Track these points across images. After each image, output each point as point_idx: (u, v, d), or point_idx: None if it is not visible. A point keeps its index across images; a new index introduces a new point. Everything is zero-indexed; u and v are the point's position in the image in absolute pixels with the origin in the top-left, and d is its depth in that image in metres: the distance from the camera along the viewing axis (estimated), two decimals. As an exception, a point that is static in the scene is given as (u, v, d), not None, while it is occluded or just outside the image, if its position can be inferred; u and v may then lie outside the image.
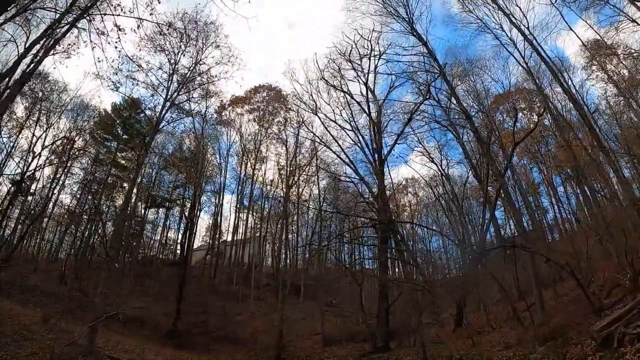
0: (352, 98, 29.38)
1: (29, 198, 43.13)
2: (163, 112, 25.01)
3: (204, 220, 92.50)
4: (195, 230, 47.38)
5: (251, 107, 44.32)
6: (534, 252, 18.25)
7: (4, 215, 35.68)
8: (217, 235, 45.06)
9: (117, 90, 24.85)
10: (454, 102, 24.59)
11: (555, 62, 26.83)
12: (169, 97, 25.60)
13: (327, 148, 35.00)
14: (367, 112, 28.57)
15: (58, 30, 27.30)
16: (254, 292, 38.28)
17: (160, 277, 35.29)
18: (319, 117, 33.05)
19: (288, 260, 43.85)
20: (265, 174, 47.44)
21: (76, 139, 40.90)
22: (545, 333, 12.56)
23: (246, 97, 44.63)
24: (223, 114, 44.66)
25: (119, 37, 14.33)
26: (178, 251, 45.34)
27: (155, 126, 24.40)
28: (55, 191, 43.58)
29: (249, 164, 45.78)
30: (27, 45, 26.69)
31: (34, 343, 15.26)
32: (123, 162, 47.28)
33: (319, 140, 36.56)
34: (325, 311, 34.65)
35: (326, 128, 33.43)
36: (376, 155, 27.49)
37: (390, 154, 27.81)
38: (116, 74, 19.94)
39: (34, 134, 35.14)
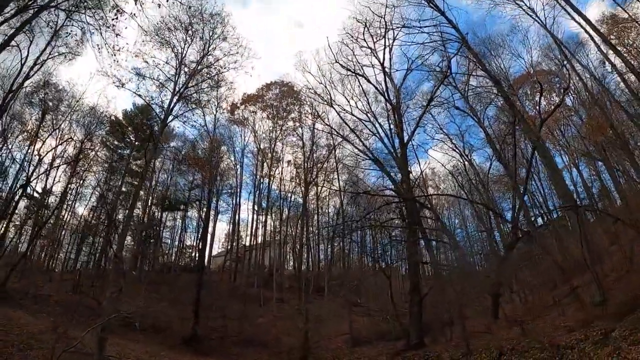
0: (369, 81, 27.71)
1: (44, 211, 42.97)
2: (171, 106, 23.85)
3: (223, 228, 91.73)
4: (213, 234, 46.34)
5: (264, 104, 42.80)
6: (606, 214, 16.39)
7: (19, 231, 35.05)
8: (236, 239, 43.61)
9: (122, 86, 24.04)
10: (479, 73, 22.66)
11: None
12: (177, 90, 24.57)
13: (344, 140, 33.69)
14: (386, 94, 26.81)
15: (61, 32, 26.90)
16: (276, 295, 36.61)
17: (178, 283, 33.91)
18: (334, 108, 31.63)
19: (310, 261, 42.11)
20: (282, 173, 45.85)
21: (87, 146, 40.00)
22: (619, 308, 10.70)
23: (258, 94, 43.33)
24: (235, 113, 43.34)
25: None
26: (197, 257, 44.29)
27: (163, 120, 23.11)
28: (70, 202, 43.25)
29: (265, 165, 44.29)
30: (30, 48, 26.42)
31: (40, 352, 14.68)
32: (136, 169, 46.32)
33: (335, 133, 35.08)
34: (352, 311, 33.42)
35: (343, 120, 31.98)
36: (397, 141, 25.86)
37: (412, 140, 25.90)
38: (116, 61, 18.41)
39: (43, 142, 34.11)
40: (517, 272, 25.34)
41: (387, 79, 27.49)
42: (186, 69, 25.65)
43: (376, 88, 27.79)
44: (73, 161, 39.69)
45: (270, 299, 35.88)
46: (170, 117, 23.66)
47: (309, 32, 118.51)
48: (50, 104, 34.26)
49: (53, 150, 35.47)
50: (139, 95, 24.22)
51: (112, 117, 46.39)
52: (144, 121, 47.32)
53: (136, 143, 46.90)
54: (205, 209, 30.70)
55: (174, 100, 24.12)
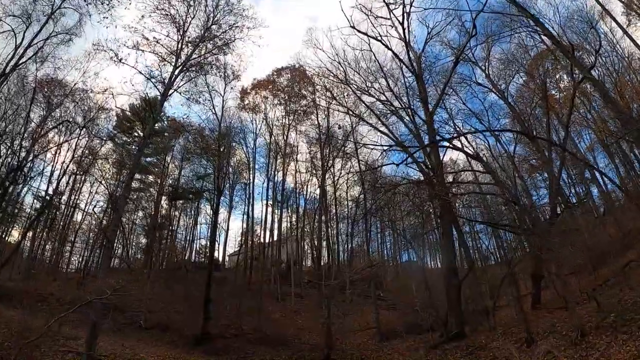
0: (388, 47, 25.27)
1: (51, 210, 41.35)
2: (173, 78, 21.74)
3: (238, 227, 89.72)
4: (227, 230, 44.40)
5: (275, 89, 40.28)
6: None
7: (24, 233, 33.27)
8: (250, 233, 41.24)
9: (120, 62, 22.12)
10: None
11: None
12: (179, 64, 22.54)
13: (362, 120, 31.30)
14: (406, 61, 24.30)
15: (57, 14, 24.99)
16: (295, 290, 34.21)
17: (189, 280, 31.71)
18: (350, 87, 29.33)
19: (330, 255, 39.55)
20: (297, 162, 43.36)
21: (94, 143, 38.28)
22: None
23: (269, 80, 40.92)
24: (246, 100, 41.03)
25: None
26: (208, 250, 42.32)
27: (163, 93, 20.94)
28: (77, 199, 41.59)
29: (278, 155, 41.85)
30: (26, 33, 24.52)
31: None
32: (145, 164, 44.44)
33: (352, 114, 32.68)
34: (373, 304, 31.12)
35: (359, 98, 29.64)
36: (418, 119, 23.48)
37: (438, 108, 23.34)
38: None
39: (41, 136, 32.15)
40: (559, 250, 22.70)
41: (407, 47, 25.01)
42: (189, 44, 23.73)
43: (396, 56, 25.33)
44: (80, 158, 38.16)
45: (288, 295, 33.49)
46: (172, 91, 21.54)
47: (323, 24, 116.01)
48: (56, 99, 32.37)
49: (57, 147, 33.79)
50: (139, 72, 22.07)
51: (119, 111, 44.90)
52: (151, 115, 45.77)
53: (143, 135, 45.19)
54: (215, 198, 28.34)
55: (176, 72, 22.09)
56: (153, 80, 22.10)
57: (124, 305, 26.33)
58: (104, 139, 38.62)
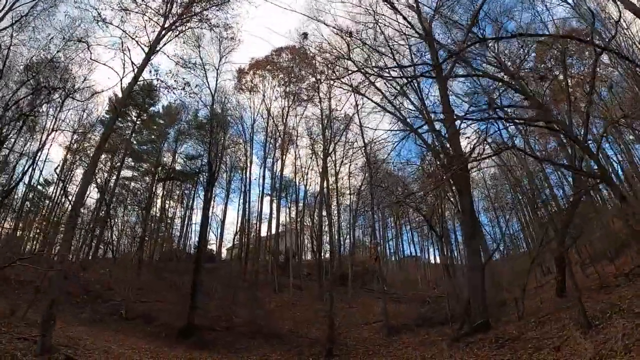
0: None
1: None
2: (160, 36, 19.31)
3: (235, 219, 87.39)
4: (224, 221, 41.88)
5: (274, 68, 37.83)
6: None
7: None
8: (247, 222, 38.87)
9: (104, 23, 19.70)
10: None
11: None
12: (166, 25, 20.14)
13: (366, 99, 28.93)
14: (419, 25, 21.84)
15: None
16: (294, 282, 31.81)
17: (180, 270, 29.41)
18: (354, 62, 27.02)
19: (331, 246, 37.19)
20: (297, 148, 41.01)
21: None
22: None
23: (268, 60, 38.43)
24: (243, 81, 38.65)
25: None
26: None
27: (147, 53, 18.47)
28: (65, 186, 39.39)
29: (278, 140, 39.46)
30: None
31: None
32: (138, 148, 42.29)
33: (355, 90, 30.20)
34: (379, 298, 28.73)
35: (363, 74, 27.29)
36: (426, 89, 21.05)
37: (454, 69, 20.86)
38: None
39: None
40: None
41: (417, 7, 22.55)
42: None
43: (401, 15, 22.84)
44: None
45: (286, 286, 31.13)
46: (159, 47, 19.09)
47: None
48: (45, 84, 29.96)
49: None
50: (124, 32, 19.55)
51: (112, 95, 42.72)
52: (146, 99, 43.57)
53: (138, 122, 42.94)
54: (207, 178, 26.02)
55: (162, 32, 19.68)
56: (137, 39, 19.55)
57: (106, 295, 24.25)
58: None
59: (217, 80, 27.50)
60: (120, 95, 22.35)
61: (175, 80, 20.17)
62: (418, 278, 38.48)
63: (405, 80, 23.88)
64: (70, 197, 32.97)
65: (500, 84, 16.18)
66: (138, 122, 42.68)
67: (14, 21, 21.71)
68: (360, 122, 30.15)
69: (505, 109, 16.89)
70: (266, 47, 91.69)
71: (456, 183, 18.14)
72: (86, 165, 35.02)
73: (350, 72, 28.75)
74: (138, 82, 20.43)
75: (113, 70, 18.15)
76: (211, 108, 26.71)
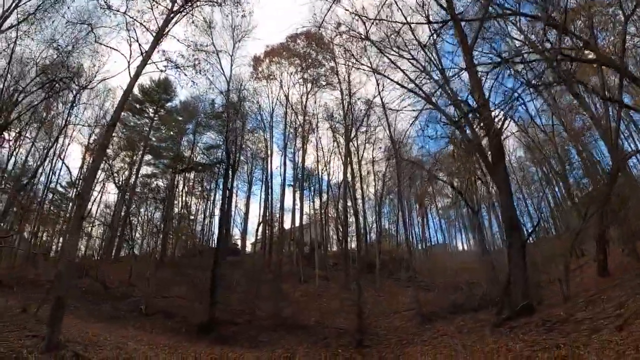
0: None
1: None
2: (169, 18, 18.26)
3: (256, 216, 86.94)
4: (247, 213, 41.19)
5: (290, 53, 36.63)
6: None
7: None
8: (270, 212, 37.94)
9: (109, 9, 18.76)
10: None
11: None
12: (175, 8, 19.09)
13: (387, 78, 27.60)
14: None
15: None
16: (320, 273, 30.72)
17: (202, 265, 28.72)
18: (372, 43, 25.75)
19: (357, 234, 35.92)
20: (317, 135, 39.92)
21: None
22: None
23: (283, 47, 37.38)
24: (259, 69, 37.65)
25: None
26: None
27: (155, 37, 17.44)
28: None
29: (298, 130, 38.33)
30: None
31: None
32: (157, 143, 41.82)
33: (374, 70, 28.94)
34: (407, 286, 27.72)
35: (382, 52, 25.99)
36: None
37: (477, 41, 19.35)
38: None
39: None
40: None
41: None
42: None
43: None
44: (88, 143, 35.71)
45: (312, 277, 30.08)
46: (167, 32, 18.04)
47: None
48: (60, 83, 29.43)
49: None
50: (130, 17, 18.60)
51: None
52: (162, 95, 43.12)
53: (155, 118, 42.51)
54: (225, 166, 25.14)
55: (171, 15, 18.66)
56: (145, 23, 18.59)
57: (126, 291, 23.70)
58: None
59: (231, 66, 26.79)
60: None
61: (183, 57, 18.97)
62: (447, 265, 37.00)
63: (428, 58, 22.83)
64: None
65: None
66: (156, 119, 42.32)
67: (19, 20, 21.04)
68: (382, 101, 28.64)
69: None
70: (280, 34, 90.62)
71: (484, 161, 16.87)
72: (106, 165, 34.69)
73: (367, 56, 27.86)
74: (148, 71, 19.57)
75: (120, 54, 16.96)
76: (227, 94, 25.86)
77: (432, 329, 17.74)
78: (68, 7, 21.74)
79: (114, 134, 35.70)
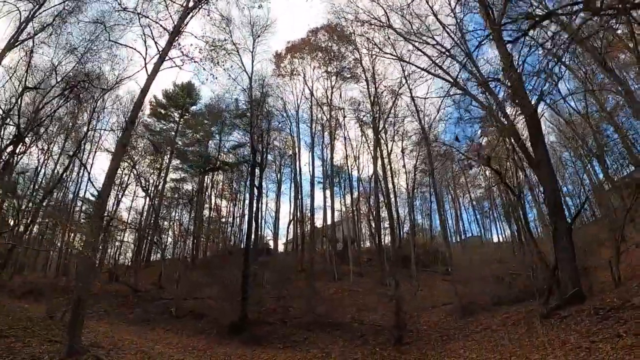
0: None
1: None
2: (185, 15, 17.65)
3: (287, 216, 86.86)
4: (278, 212, 40.82)
5: (312, 48, 35.86)
6: None
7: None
8: (300, 210, 37.38)
9: (123, 10, 18.31)
10: None
11: None
12: (190, 4, 18.48)
13: (412, 65, 26.48)
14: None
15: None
16: (354, 269, 29.78)
17: (232, 266, 28.28)
18: (395, 30, 24.75)
19: (392, 228, 34.78)
20: (346, 130, 39.07)
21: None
22: None
23: (304, 42, 36.65)
24: (282, 65, 37.00)
25: None
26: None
27: (173, 32, 16.84)
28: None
29: (325, 125, 37.44)
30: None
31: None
32: (182, 147, 41.65)
33: (400, 59, 27.85)
34: (443, 280, 27.09)
35: (405, 39, 24.94)
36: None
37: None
38: None
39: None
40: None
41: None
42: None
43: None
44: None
45: (346, 274, 29.19)
46: (182, 30, 17.43)
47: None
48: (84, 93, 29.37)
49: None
50: (145, 16, 18.11)
51: (152, 99, 42.43)
52: (186, 99, 42.91)
53: (181, 122, 42.35)
54: (251, 162, 24.53)
55: (187, 12, 18.04)
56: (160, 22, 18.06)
57: (156, 294, 23.40)
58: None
59: (252, 63, 26.33)
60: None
61: (201, 52, 18.36)
62: (483, 257, 35.54)
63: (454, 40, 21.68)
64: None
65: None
66: (181, 123, 42.18)
67: (35, 31, 20.74)
68: (409, 87, 27.56)
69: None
70: (299, 29, 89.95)
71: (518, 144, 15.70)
72: (133, 170, 34.68)
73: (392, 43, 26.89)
74: (166, 67, 19.02)
75: (136, 51, 16.50)
76: (249, 91, 25.28)
77: (473, 322, 16.69)
78: (84, 14, 21.58)
79: (139, 138, 36.27)
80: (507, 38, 16.49)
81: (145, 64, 16.07)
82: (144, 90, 15.78)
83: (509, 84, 16.10)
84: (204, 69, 18.42)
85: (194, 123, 42.34)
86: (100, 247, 38.92)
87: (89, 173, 20.68)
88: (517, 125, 16.98)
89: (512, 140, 17.77)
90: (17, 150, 18.57)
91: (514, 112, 16.79)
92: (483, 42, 16.71)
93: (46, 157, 32.47)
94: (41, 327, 12.81)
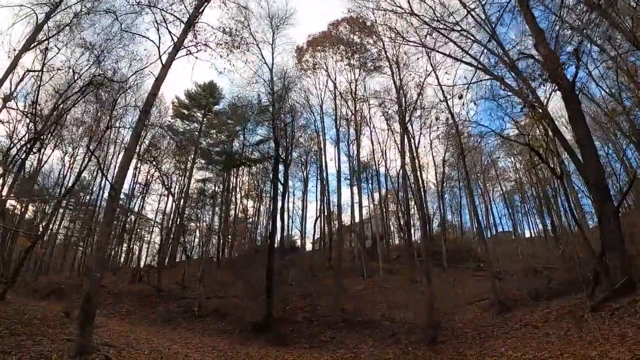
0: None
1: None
2: (200, 4, 16.93)
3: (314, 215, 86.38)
4: (305, 210, 40.05)
5: (334, 40, 34.90)
6: None
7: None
8: (327, 207, 36.41)
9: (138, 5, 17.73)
10: None
11: None
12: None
13: (438, 53, 25.18)
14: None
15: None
16: (383, 266, 28.65)
17: (258, 264, 27.64)
18: (417, 16, 23.58)
19: (422, 223, 33.46)
20: (371, 125, 38.06)
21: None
22: None
23: (325, 36, 35.69)
24: (303, 59, 36.11)
25: None
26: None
27: (187, 22, 16.13)
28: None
29: (351, 121, 36.40)
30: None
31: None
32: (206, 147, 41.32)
33: (425, 46, 26.63)
34: (476, 276, 25.94)
35: (430, 26, 23.72)
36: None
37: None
38: None
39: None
40: None
41: None
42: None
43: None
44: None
45: (375, 271, 28.12)
46: (197, 20, 16.69)
47: None
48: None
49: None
50: (155, 7, 17.49)
51: (175, 98, 42.31)
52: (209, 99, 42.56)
53: (204, 121, 42.03)
54: (274, 154, 23.73)
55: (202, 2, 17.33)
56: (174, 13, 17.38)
57: (179, 294, 22.87)
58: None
59: (273, 54, 25.42)
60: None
61: (216, 38, 17.59)
62: (515, 252, 33.97)
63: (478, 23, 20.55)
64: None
65: None
66: (204, 123, 41.88)
67: (50, 35, 20.33)
68: (436, 74, 26.24)
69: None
70: (322, 22, 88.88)
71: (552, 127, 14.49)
72: (156, 168, 34.43)
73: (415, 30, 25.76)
74: (181, 55, 18.35)
75: (149, 40, 15.92)
76: (270, 83, 24.53)
77: (512, 318, 15.45)
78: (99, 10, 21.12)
79: (161, 138, 36.08)
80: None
81: (160, 54, 15.44)
82: (159, 79, 15.13)
83: (541, 59, 14.94)
84: (220, 56, 17.58)
85: (217, 123, 42.01)
86: (124, 247, 39.62)
87: (102, 168, 20.00)
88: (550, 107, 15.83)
89: (546, 124, 16.54)
90: (33, 149, 18.18)
91: (546, 94, 15.65)
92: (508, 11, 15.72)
93: (72, 161, 32.65)
94: (55, 326, 12.26)
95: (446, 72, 31.08)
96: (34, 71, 18.72)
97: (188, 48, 16.93)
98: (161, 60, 15.12)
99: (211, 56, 17.63)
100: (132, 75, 19.20)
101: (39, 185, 27.91)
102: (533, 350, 10.51)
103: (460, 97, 19.18)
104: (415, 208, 33.77)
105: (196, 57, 16.99)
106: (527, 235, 47.11)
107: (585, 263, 17.01)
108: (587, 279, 15.17)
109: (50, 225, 28.50)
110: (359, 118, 36.34)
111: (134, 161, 36.38)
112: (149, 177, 39.82)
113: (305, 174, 41.43)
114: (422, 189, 34.47)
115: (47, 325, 12.14)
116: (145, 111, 14.24)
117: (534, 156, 16.69)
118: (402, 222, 34.72)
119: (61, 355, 9.05)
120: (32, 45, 19.13)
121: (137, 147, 35.27)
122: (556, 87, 14.67)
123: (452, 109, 24.23)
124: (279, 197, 23.24)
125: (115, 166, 36.46)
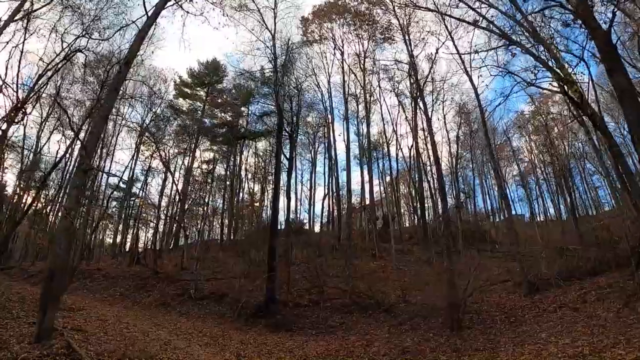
0: None
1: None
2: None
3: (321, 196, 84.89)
4: (313, 190, 38.52)
5: (341, 9, 32.78)
6: None
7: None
8: (336, 185, 34.72)
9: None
10: None
11: None
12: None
13: (452, 18, 23.10)
14: None
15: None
16: (396, 247, 26.78)
17: (262, 243, 26.18)
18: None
19: (441, 191, 31.62)
20: (382, 101, 36.09)
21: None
22: None
23: (331, 5, 33.49)
24: (309, 30, 34.08)
25: None
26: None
27: None
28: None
29: (360, 97, 34.47)
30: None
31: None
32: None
33: (437, 11, 24.57)
34: (493, 257, 25.07)
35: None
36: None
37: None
38: None
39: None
40: None
41: None
42: None
43: None
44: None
45: (387, 251, 26.36)
46: None
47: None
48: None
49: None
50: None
51: (177, 77, 40.55)
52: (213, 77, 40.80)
53: (207, 100, 40.27)
54: (277, 122, 22.07)
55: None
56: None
57: (176, 276, 21.42)
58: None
59: (275, 20, 23.45)
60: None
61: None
62: (531, 234, 32.14)
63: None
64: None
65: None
66: (208, 101, 40.15)
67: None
68: (452, 38, 24.11)
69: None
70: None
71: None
72: (157, 149, 32.85)
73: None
74: (169, 5, 16.56)
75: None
76: (272, 49, 22.67)
77: (544, 300, 13.82)
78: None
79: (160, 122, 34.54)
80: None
81: (144, 2, 13.67)
82: (143, 30, 13.38)
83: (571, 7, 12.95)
84: (213, 8, 15.82)
85: (222, 102, 40.31)
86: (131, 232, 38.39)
87: (78, 137, 18.27)
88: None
89: (570, 92, 14.60)
90: (15, 120, 16.63)
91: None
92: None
93: (73, 145, 31.27)
94: (30, 309, 10.79)
95: (459, 38, 28.92)
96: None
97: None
98: (145, 10, 13.39)
99: (204, 9, 15.88)
100: (117, 31, 17.36)
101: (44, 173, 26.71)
102: (585, 336, 8.77)
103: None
104: (429, 184, 31.97)
105: (187, 12, 15.25)
106: (541, 219, 45.26)
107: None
108: (628, 257, 13.53)
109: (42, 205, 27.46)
110: (369, 94, 34.43)
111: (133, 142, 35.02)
112: (151, 159, 38.36)
113: (313, 154, 39.82)
114: (438, 159, 32.65)
115: (22, 309, 10.76)
116: (127, 63, 12.44)
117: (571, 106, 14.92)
118: (414, 202, 32.91)
119: (21, 340, 7.72)
120: (16, 18, 17.62)
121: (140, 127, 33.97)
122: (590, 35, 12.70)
123: (470, 72, 22.28)
124: (283, 171, 21.60)
125: (114, 144, 35.32)
